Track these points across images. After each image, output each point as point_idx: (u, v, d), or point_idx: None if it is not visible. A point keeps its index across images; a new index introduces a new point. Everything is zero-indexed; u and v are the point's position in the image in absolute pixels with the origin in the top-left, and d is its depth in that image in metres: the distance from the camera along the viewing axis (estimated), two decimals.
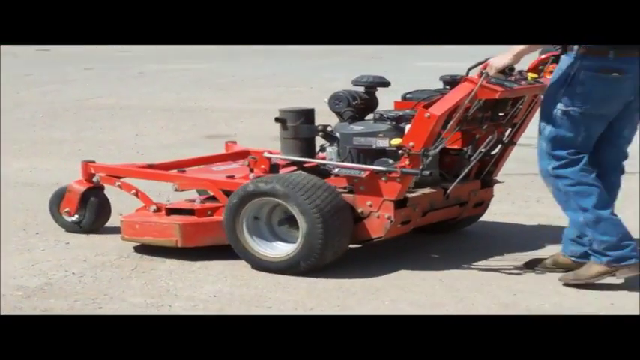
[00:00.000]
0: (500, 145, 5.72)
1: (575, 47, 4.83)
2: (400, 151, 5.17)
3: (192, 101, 12.00)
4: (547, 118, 5.01)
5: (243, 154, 6.47)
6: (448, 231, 6.01)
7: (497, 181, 5.96)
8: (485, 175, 5.79)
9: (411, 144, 5.14)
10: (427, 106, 5.14)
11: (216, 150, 7.29)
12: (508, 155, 5.83)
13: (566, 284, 5.13)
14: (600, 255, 5.01)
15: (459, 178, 5.41)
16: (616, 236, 4.99)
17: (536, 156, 5.15)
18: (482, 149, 5.49)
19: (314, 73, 14.35)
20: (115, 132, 10.22)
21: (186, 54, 17.32)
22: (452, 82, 5.64)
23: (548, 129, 5.00)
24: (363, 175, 5.30)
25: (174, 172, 6.10)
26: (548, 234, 6.04)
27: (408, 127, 5.37)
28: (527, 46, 4.95)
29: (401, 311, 4.85)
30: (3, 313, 4.70)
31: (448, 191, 5.51)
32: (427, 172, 5.15)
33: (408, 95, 5.81)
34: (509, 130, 5.71)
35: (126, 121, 10.72)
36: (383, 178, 5.23)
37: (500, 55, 5.00)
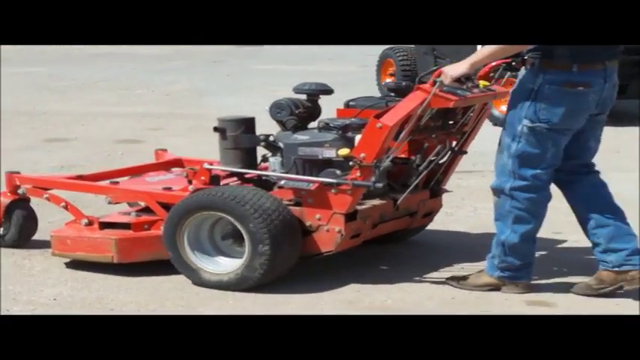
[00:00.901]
0: (449, 154, 5.59)
1: (537, 61, 4.81)
2: (351, 163, 5.02)
3: (31, 105, 11.80)
4: (512, 135, 4.93)
5: (174, 163, 6.34)
6: (396, 241, 5.92)
7: (446, 190, 5.86)
8: (434, 185, 5.64)
9: (362, 155, 5.00)
10: (378, 116, 4.99)
11: (56, 153, 7.64)
12: (457, 164, 5.73)
13: (452, 286, 5.32)
14: (494, 269, 5.12)
15: (409, 189, 5.28)
16: (520, 261, 5.08)
17: (496, 169, 5.10)
18: (431, 158, 5.38)
19: (155, 77, 14.49)
20: None
21: (25, 57, 17.16)
22: (397, 89, 5.62)
23: (514, 146, 4.92)
24: (312, 187, 5.15)
25: (106, 183, 5.84)
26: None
27: (356, 137, 5.25)
28: (483, 56, 4.92)
29: (245, 310, 4.91)
30: None
31: (398, 202, 5.37)
32: (380, 185, 5.01)
33: (351, 103, 5.71)
34: (459, 138, 5.57)
35: None
36: (332, 190, 5.09)
37: (456, 64, 4.93)
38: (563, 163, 5.05)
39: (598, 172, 5.21)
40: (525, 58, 4.90)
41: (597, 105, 4.93)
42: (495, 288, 5.12)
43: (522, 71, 4.97)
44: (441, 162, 5.56)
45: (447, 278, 5.29)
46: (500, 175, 5.04)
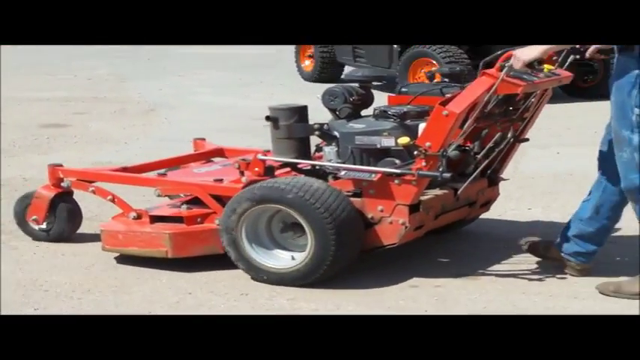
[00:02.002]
0: (508, 142, 5.32)
1: (637, 47, 4.49)
2: (415, 152, 4.78)
3: None
4: (628, 126, 4.61)
5: (215, 152, 6.24)
6: (447, 232, 5.69)
7: (503, 179, 5.63)
8: (491, 173, 5.43)
9: (427, 144, 4.75)
10: (444, 103, 4.74)
11: None
12: (515, 152, 5.50)
13: (603, 294, 4.96)
14: None
15: (470, 178, 5.04)
16: None
17: (620, 168, 4.76)
18: (490, 145, 5.13)
19: (77, 62, 14.61)
20: None
21: None
22: (451, 75, 5.52)
23: (636, 138, 4.60)
24: (374, 177, 4.92)
25: (154, 175, 5.63)
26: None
27: (414, 124, 5.05)
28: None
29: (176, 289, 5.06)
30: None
31: (459, 192, 5.15)
32: (447, 175, 4.75)
33: (403, 89, 5.51)
34: (520, 125, 5.33)
35: None
36: (396, 181, 4.86)
37: (528, 48, 4.68)
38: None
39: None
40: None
41: None
42: None
43: (620, 58, 4.68)
44: (497, 149, 5.22)
45: (601, 284, 5.01)
46: (629, 172, 4.71)
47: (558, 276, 5.21)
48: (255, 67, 13.96)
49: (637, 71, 4.52)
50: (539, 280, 5.21)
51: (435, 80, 5.61)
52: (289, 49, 13.22)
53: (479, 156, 5.15)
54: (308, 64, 12.63)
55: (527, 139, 5.51)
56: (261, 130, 9.06)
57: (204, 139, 6.45)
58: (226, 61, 14.41)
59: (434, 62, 10.56)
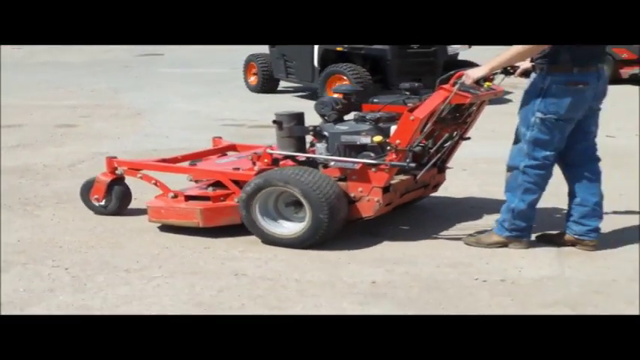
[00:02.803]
0: (454, 139, 5.65)
1: (545, 66, 4.85)
2: (388, 147, 5.09)
3: None
4: (526, 125, 4.98)
5: (229, 148, 6.43)
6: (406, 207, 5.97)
7: (449, 167, 5.96)
8: (440, 163, 5.71)
9: (397, 141, 5.06)
10: (411, 110, 5.06)
11: (12, 135, 8.28)
12: (458, 147, 5.82)
13: (468, 244, 5.26)
14: (504, 230, 5.18)
15: (427, 167, 5.32)
16: (525, 223, 5.17)
17: (510, 153, 5.12)
18: (441, 142, 5.41)
19: (82, 79, 14.99)
20: None
21: None
22: (410, 89, 5.64)
23: (529, 133, 4.96)
24: (357, 166, 5.20)
25: (186, 164, 5.93)
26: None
27: (386, 126, 5.31)
28: (501, 62, 4.90)
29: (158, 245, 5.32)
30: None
31: (418, 177, 5.43)
32: (412, 165, 5.14)
33: (375, 100, 5.72)
34: (464, 127, 5.64)
35: None
36: (373, 169, 5.14)
37: (476, 68, 5.03)
38: (573, 148, 5.12)
39: (599, 160, 5.24)
40: (534, 64, 4.95)
41: (593, 99, 5.00)
42: (503, 245, 5.19)
43: (532, 75, 5.02)
44: (445, 145, 5.57)
45: (466, 236, 5.35)
46: (516, 156, 5.08)
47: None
48: (215, 82, 14.20)
49: (541, 85, 4.89)
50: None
51: (338, 96, 5.78)
52: (240, 69, 13.86)
53: (432, 150, 5.45)
54: (253, 79, 13.11)
55: (469, 138, 5.83)
56: (217, 128, 9.17)
57: (220, 138, 6.67)
58: (194, 79, 14.41)
59: (344, 78, 10.51)
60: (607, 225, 5.45)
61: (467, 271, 4.85)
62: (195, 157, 6.13)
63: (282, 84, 13.41)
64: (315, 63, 11.83)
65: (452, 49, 11.81)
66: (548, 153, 5.00)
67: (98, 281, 4.68)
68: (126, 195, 6.00)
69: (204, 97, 12.61)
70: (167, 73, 16.02)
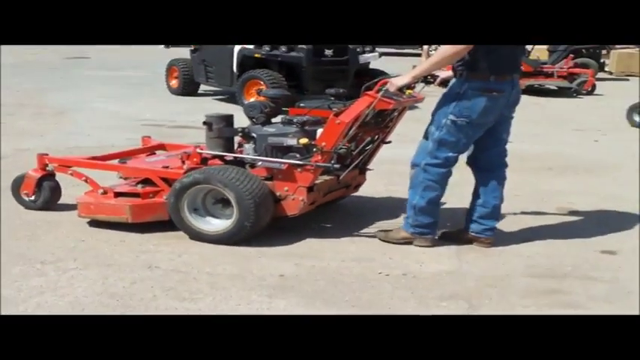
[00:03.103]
0: (376, 143, 5.70)
1: (464, 72, 4.89)
2: (314, 149, 5.09)
3: None
4: (437, 125, 5.03)
5: (158, 147, 6.35)
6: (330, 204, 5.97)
7: (369, 169, 5.99)
8: (362, 165, 5.75)
9: (323, 143, 5.07)
10: (337, 114, 5.08)
11: None
12: (379, 150, 5.84)
13: (379, 239, 5.30)
14: (409, 226, 5.22)
15: (349, 168, 5.34)
16: (428, 220, 5.19)
17: (419, 149, 5.16)
18: (363, 145, 5.46)
19: (11, 79, 14.30)
20: None
21: None
22: (335, 94, 5.70)
23: (437, 133, 5.01)
24: (283, 167, 5.20)
25: (116, 162, 5.84)
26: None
27: (312, 129, 5.32)
28: (422, 70, 4.95)
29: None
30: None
31: (340, 178, 5.47)
32: (337, 166, 5.17)
33: (301, 104, 5.78)
34: (385, 131, 5.69)
35: None
36: (298, 170, 5.15)
37: (400, 77, 5.02)
38: (484, 153, 5.19)
39: (507, 165, 5.31)
40: (455, 69, 4.97)
41: (506, 106, 5.06)
42: (409, 242, 5.24)
43: (453, 80, 5.04)
44: (366, 148, 5.63)
45: (377, 231, 5.40)
46: (420, 154, 5.15)
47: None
48: (138, 85, 13.98)
49: (458, 90, 4.94)
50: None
51: (258, 99, 5.86)
52: (163, 73, 13.73)
53: (354, 152, 5.47)
54: (174, 82, 12.89)
55: (390, 141, 5.89)
56: (137, 127, 8.98)
57: (149, 137, 6.55)
58: (118, 81, 14.17)
59: (261, 83, 10.44)
60: (503, 224, 5.64)
61: (370, 265, 4.93)
62: (126, 156, 6.08)
63: (202, 87, 13.30)
64: (234, 68, 11.82)
65: (363, 58, 11.94)
66: (450, 154, 5.07)
67: (13, 273, 4.60)
68: (55, 190, 5.90)
69: (126, 99, 12.49)
70: (92, 75, 15.83)
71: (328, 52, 11.38)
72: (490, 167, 5.28)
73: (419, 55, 19.21)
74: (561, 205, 6.38)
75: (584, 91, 14.53)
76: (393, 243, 5.28)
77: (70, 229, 5.44)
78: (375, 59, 12.35)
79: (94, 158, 5.94)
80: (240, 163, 5.45)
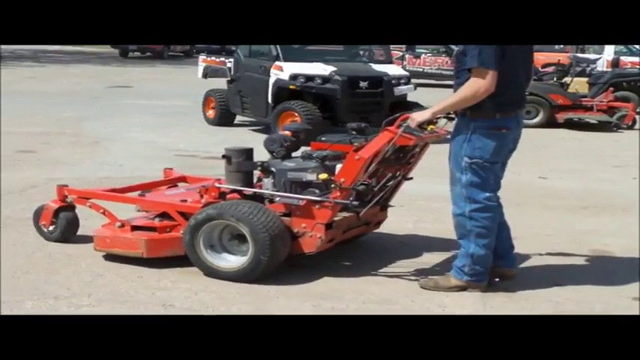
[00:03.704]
0: (397, 179, 5.51)
1: (468, 112, 4.74)
2: (332, 185, 4.93)
3: None
4: (459, 169, 4.84)
5: (180, 179, 6.20)
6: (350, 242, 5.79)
7: (391, 206, 5.79)
8: (383, 201, 5.53)
9: (342, 179, 4.89)
10: (356, 150, 4.92)
11: None
12: (400, 186, 5.64)
13: (425, 288, 4.99)
14: (463, 274, 4.94)
15: (369, 205, 5.11)
16: (484, 267, 4.96)
17: (454, 198, 4.90)
18: (384, 181, 5.26)
19: (52, 108, 14.60)
20: None
21: None
22: (357, 129, 5.46)
23: (464, 177, 4.81)
24: (301, 203, 5.03)
25: (136, 195, 5.71)
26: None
27: (332, 164, 5.15)
28: (443, 107, 4.77)
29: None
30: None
31: (360, 214, 5.28)
32: (356, 203, 4.96)
33: (322, 138, 5.54)
34: (407, 168, 5.50)
35: None
36: (317, 206, 4.96)
37: (421, 112, 4.87)
38: None
39: (502, 206, 5.12)
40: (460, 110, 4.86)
41: (513, 142, 4.95)
42: (462, 289, 4.95)
43: (458, 119, 4.89)
44: (388, 184, 5.41)
45: (422, 280, 5.07)
46: (458, 202, 4.90)
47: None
48: (176, 114, 14.00)
49: (466, 130, 4.78)
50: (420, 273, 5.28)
51: (287, 134, 5.58)
52: (200, 103, 13.73)
53: (375, 189, 5.25)
54: (211, 112, 12.91)
55: (412, 178, 5.65)
56: (172, 158, 9.48)
57: (172, 169, 6.42)
58: (156, 110, 14.23)
59: (296, 115, 10.34)
60: (533, 266, 5.41)
61: (391, 308, 4.69)
62: (146, 188, 5.94)
63: (238, 118, 13.22)
64: (269, 99, 11.71)
65: (398, 90, 11.80)
66: (487, 194, 4.85)
67: (25, 308, 4.43)
68: (72, 222, 5.75)
69: (162, 128, 12.43)
70: (132, 104, 15.75)
71: (363, 84, 11.31)
72: None
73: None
74: (595, 247, 6.07)
75: (625, 126, 14.16)
76: (444, 291, 4.94)
77: (89, 262, 5.29)
78: (410, 91, 12.21)
79: (113, 190, 5.82)
80: (259, 198, 5.29)
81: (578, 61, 16.41)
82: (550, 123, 13.85)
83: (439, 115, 4.97)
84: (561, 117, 14.13)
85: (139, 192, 5.81)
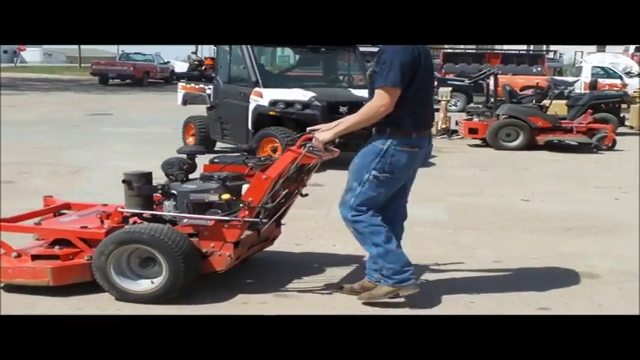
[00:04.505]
0: (293, 196, 5.53)
1: (388, 129, 4.82)
2: (241, 204, 4.92)
3: None
4: (359, 180, 4.90)
5: (63, 207, 5.94)
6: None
7: (283, 223, 5.86)
8: (277, 218, 5.49)
9: (250, 199, 4.92)
10: (263, 170, 4.98)
11: None
12: (293, 203, 5.65)
13: (365, 302, 5.01)
14: (388, 279, 4.96)
15: (269, 222, 5.14)
16: (399, 264, 4.94)
17: (339, 205, 5.01)
18: (279, 199, 5.23)
19: (30, 137, 14.19)
20: None
21: None
22: (248, 150, 5.78)
23: (359, 189, 4.89)
24: (210, 223, 4.99)
25: (31, 223, 5.51)
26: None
27: (233, 185, 5.18)
28: (344, 127, 4.84)
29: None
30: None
31: (261, 231, 5.37)
32: (265, 220, 4.99)
33: (215, 160, 5.59)
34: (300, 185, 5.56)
35: None
36: (225, 226, 4.96)
37: (324, 132, 4.89)
38: (392, 205, 5.04)
39: (406, 219, 5.23)
40: (375, 126, 4.89)
41: (422, 160, 5.07)
42: (395, 295, 4.96)
43: (375, 135, 4.93)
44: (285, 202, 5.42)
45: (358, 294, 5.09)
46: (344, 208, 4.97)
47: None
48: (157, 142, 13.81)
49: (382, 146, 4.85)
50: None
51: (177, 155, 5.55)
52: (180, 130, 13.53)
53: (269, 206, 5.13)
54: (191, 139, 12.83)
55: (307, 194, 5.67)
56: None
57: (52, 196, 6.15)
58: (137, 138, 14.11)
59: (276, 141, 10.28)
60: (518, 289, 5.32)
61: None
62: (32, 217, 5.66)
63: (218, 144, 12.90)
64: (250, 126, 11.53)
65: None
66: (370, 207, 4.90)
67: None
68: None
69: (143, 156, 12.04)
70: (112, 132, 15.50)
71: (343, 109, 10.97)
72: (395, 219, 5.12)
73: (437, 109, 18.93)
74: (581, 269, 5.91)
75: (605, 147, 14.08)
76: (379, 300, 5.00)
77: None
78: None
79: (3, 220, 5.50)
80: (160, 220, 5.17)
81: (556, 84, 16.25)
82: (530, 145, 13.83)
83: (340, 135, 4.99)
84: (541, 139, 14.02)
85: (33, 220, 5.57)
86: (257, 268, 5.82)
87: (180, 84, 14.07)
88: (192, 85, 13.71)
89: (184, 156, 5.51)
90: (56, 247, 5.17)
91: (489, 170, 11.44)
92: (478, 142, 14.62)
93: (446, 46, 40.85)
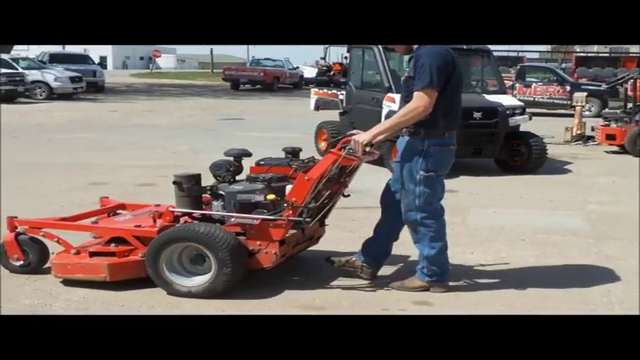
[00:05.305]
0: (336, 197, 5.61)
1: (422, 131, 5.00)
2: (285, 204, 5.06)
3: (81, 159, 11.84)
4: (413, 181, 5.09)
5: (119, 207, 6.15)
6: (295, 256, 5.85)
7: (326, 224, 6.01)
8: (321, 218, 5.63)
9: (293, 199, 5.04)
10: (305, 171, 5.11)
11: (95, 193, 7.38)
12: (337, 203, 5.74)
13: (395, 289, 5.28)
14: (425, 275, 5.23)
15: (313, 221, 5.23)
16: (442, 269, 5.23)
17: (404, 208, 5.17)
18: (323, 199, 5.33)
19: (167, 141, 14.60)
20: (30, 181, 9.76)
21: (76, 126, 17.30)
22: (292, 152, 5.79)
23: (417, 189, 5.09)
24: (256, 222, 5.12)
25: (89, 222, 5.74)
26: None
27: (277, 185, 5.31)
28: (383, 129, 5.06)
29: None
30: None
31: (305, 230, 5.50)
32: (309, 220, 5.07)
33: (261, 162, 5.73)
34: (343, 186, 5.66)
35: (34, 174, 10.27)
36: (270, 225, 5.09)
37: (362, 135, 5.03)
38: (394, 193, 5.27)
39: None
40: (406, 129, 5.06)
41: (455, 157, 5.25)
42: (426, 289, 5.23)
43: (403, 138, 5.14)
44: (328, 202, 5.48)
45: (391, 284, 5.34)
46: (409, 210, 5.17)
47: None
48: (287, 146, 13.75)
49: (421, 147, 5.04)
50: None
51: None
52: (311, 135, 13.56)
53: (312, 206, 5.24)
54: (323, 144, 12.99)
55: (349, 195, 5.80)
56: None
57: (108, 197, 6.39)
58: (269, 142, 14.32)
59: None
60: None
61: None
62: (89, 216, 5.86)
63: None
64: None
65: (513, 120, 11.28)
66: (436, 203, 5.15)
67: None
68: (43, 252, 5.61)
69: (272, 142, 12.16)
70: (243, 136, 15.47)
71: (477, 114, 10.82)
72: (393, 202, 5.26)
73: (571, 115, 17.52)
74: None
75: None
76: (409, 291, 5.22)
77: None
78: (525, 122, 11.63)
79: (63, 219, 5.73)
80: (209, 219, 5.32)
81: None
82: None
83: (379, 137, 5.10)
84: None
85: (91, 219, 5.77)
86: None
87: (313, 89, 14.10)
88: (325, 90, 13.75)
89: (231, 158, 5.66)
90: (112, 245, 5.35)
91: (629, 178, 10.79)
92: (615, 148, 13.91)
93: (578, 49, 39.46)
